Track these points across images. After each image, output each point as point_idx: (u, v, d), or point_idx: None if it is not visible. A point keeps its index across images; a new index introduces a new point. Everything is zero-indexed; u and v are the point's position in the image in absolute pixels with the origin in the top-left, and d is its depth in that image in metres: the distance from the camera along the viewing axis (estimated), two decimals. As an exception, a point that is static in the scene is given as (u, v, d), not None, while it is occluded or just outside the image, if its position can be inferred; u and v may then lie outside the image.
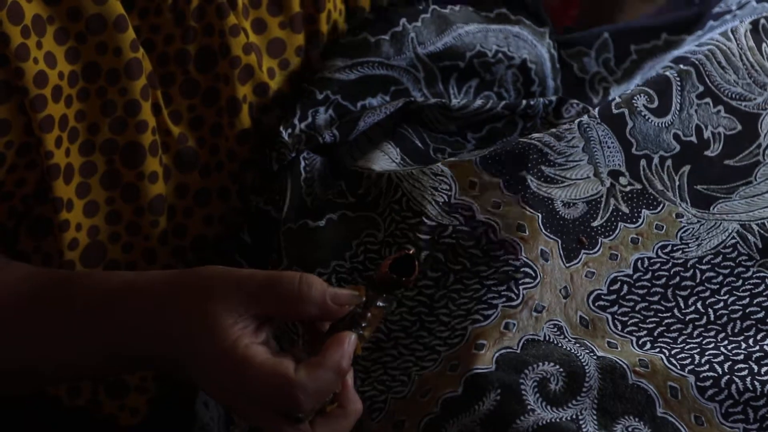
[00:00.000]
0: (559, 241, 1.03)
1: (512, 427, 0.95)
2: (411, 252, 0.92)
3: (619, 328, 1.01)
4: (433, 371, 0.99)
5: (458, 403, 0.96)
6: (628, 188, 1.07)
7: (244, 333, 0.86)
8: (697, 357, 1.00)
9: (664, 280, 1.04)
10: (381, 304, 0.91)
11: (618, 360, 0.99)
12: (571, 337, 1.00)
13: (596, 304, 1.02)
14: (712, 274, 1.04)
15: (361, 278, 1.03)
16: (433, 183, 1.05)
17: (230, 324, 0.86)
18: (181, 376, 0.91)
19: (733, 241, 1.06)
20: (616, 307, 1.02)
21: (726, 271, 1.05)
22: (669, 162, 1.09)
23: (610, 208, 1.06)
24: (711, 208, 1.08)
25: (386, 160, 1.10)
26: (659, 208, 1.07)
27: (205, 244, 1.08)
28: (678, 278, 1.04)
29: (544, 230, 1.03)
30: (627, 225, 1.06)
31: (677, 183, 1.09)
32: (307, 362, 0.87)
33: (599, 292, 1.02)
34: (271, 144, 1.08)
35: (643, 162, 1.08)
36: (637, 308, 1.02)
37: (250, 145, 1.07)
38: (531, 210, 1.04)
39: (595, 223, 1.05)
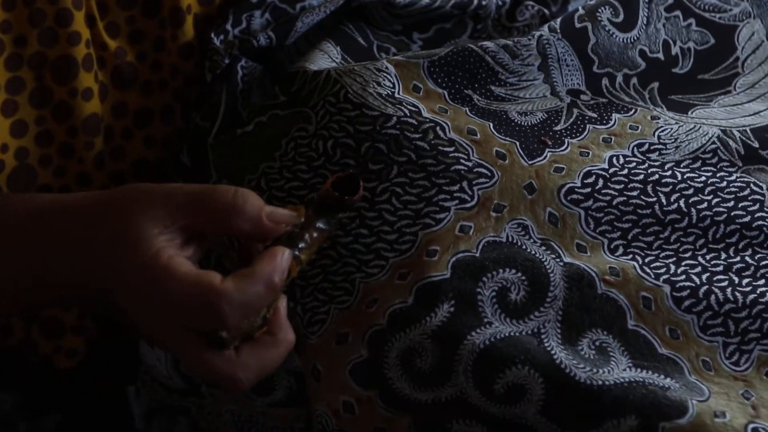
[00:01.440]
0: (518, 143, 0.95)
1: (466, 341, 0.87)
2: (354, 173, 0.87)
3: (592, 226, 0.93)
4: (380, 280, 0.91)
5: (407, 314, 0.89)
6: (592, 102, 1.00)
7: (169, 245, 0.81)
8: (672, 266, 0.92)
9: (642, 176, 0.95)
10: (321, 226, 0.85)
11: (586, 267, 0.91)
12: (537, 238, 0.92)
13: (569, 198, 0.93)
14: (693, 175, 0.96)
15: (290, 174, 0.95)
16: (375, 77, 0.97)
17: (154, 234, 0.81)
18: (109, 309, 0.85)
19: (713, 146, 0.98)
20: (590, 201, 0.93)
21: (708, 174, 0.97)
22: (634, 80, 1.02)
23: (574, 114, 0.99)
24: (689, 113, 1.02)
25: (325, 59, 1.02)
26: (632, 112, 1.00)
27: (146, 168, 1.02)
28: (657, 176, 0.95)
29: (497, 134, 0.95)
30: (596, 126, 0.98)
31: (647, 96, 1.02)
32: (235, 273, 0.80)
33: (572, 185, 0.93)
34: (203, 52, 1.01)
35: (605, 80, 1.02)
36: (614, 203, 0.93)
37: (194, 60, 1.02)
38: (480, 119, 0.96)
39: (558, 127, 0.98)
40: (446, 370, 0.87)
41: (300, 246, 0.83)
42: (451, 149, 0.93)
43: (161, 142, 1.03)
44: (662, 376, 0.86)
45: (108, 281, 0.82)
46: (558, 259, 0.91)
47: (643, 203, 0.93)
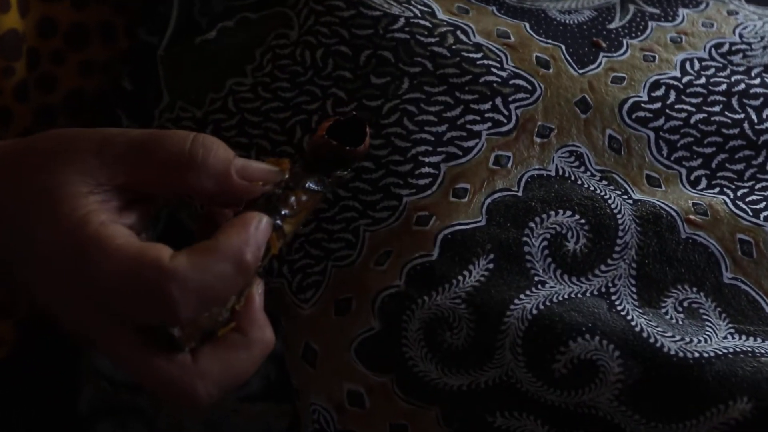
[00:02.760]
0: (563, 46, 0.75)
1: (512, 306, 0.66)
2: (358, 115, 0.67)
3: (665, 152, 0.73)
4: (392, 226, 0.70)
5: (432, 272, 0.68)
6: None
7: (101, 207, 0.62)
8: None
9: (724, 86, 0.75)
10: (312, 186, 0.64)
11: (664, 205, 0.70)
12: (596, 170, 0.72)
13: (633, 116, 0.73)
14: None
15: (268, 92, 0.75)
16: None
17: (82, 193, 0.62)
18: (14, 293, 0.68)
19: None
20: (662, 120, 0.74)
21: None
22: None
23: (631, 11, 0.79)
24: None
25: None
26: (702, 6, 0.81)
27: (82, 101, 0.88)
28: (743, 85, 0.75)
29: (536, 35, 0.75)
30: (661, 24, 0.78)
31: None
32: (192, 247, 0.60)
33: (637, 99, 0.73)
34: None
35: None
36: (692, 120, 0.74)
37: None
38: (512, 19, 0.77)
39: (612, 25, 0.78)
40: (487, 346, 0.67)
41: (283, 212, 0.63)
42: (479, 55, 0.73)
43: (100, 67, 0.87)
44: None
45: (13, 251, 0.63)
46: (625, 196, 0.70)
47: (729, 121, 0.74)
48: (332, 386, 0.69)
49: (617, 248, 0.69)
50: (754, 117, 0.74)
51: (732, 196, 0.72)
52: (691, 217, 0.70)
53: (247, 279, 0.60)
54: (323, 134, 0.65)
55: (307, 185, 0.64)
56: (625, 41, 0.77)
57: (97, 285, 0.59)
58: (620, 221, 0.69)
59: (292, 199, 0.63)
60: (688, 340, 0.66)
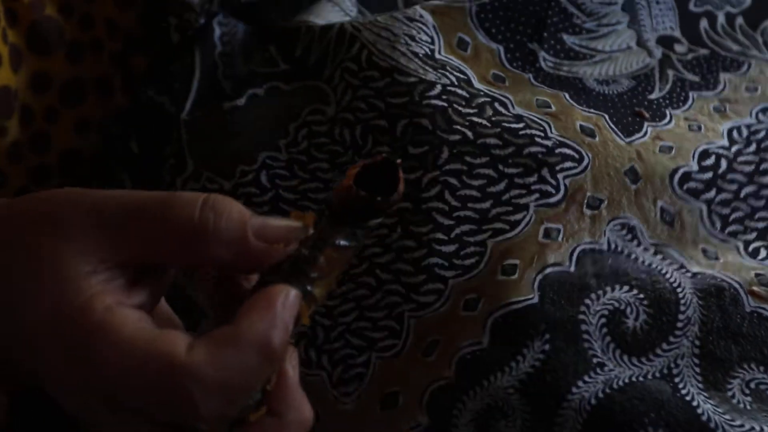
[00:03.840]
0: (606, 115, 0.73)
1: (571, 395, 0.63)
2: (389, 157, 0.59)
3: (718, 225, 0.70)
4: (439, 312, 0.67)
5: (484, 360, 0.65)
6: (690, 56, 0.78)
7: (106, 289, 0.56)
8: None
9: None
10: (342, 242, 0.57)
11: (725, 277, 0.67)
12: (650, 244, 0.68)
13: (685, 187, 0.70)
14: None
15: (305, 172, 0.72)
16: (407, 30, 0.74)
17: (84, 274, 0.56)
18: (9, 378, 0.61)
19: None
20: (713, 192, 0.71)
21: None
22: (740, 19, 0.80)
23: (670, 79, 0.77)
24: None
25: (336, 12, 0.80)
26: (744, 68, 0.78)
27: (79, 161, 0.85)
28: None
29: (577, 105, 0.73)
30: (702, 93, 0.76)
31: (761, 40, 0.80)
32: (209, 335, 0.54)
33: (687, 169, 0.70)
34: (167, 6, 0.81)
35: (703, 23, 0.80)
36: (742, 194, 0.71)
37: (137, 13, 0.85)
38: (551, 89, 0.74)
39: (653, 96, 0.76)
40: (545, 438, 0.63)
41: (312, 275, 0.56)
42: (521, 125, 0.70)
43: (97, 125, 0.84)
44: None
45: (10, 341, 0.58)
46: (683, 270, 0.67)
47: None
48: (380, 486, 0.66)
49: (679, 324, 0.66)
50: None
51: (794, 264, 0.69)
52: (755, 288, 0.67)
53: (276, 366, 0.55)
54: (351, 184, 0.58)
55: (336, 242, 0.58)
56: (668, 111, 0.74)
57: (108, 383, 0.55)
58: (681, 295, 0.66)
59: (321, 259, 0.57)
60: (758, 429, 0.62)
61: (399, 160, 0.59)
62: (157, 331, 0.55)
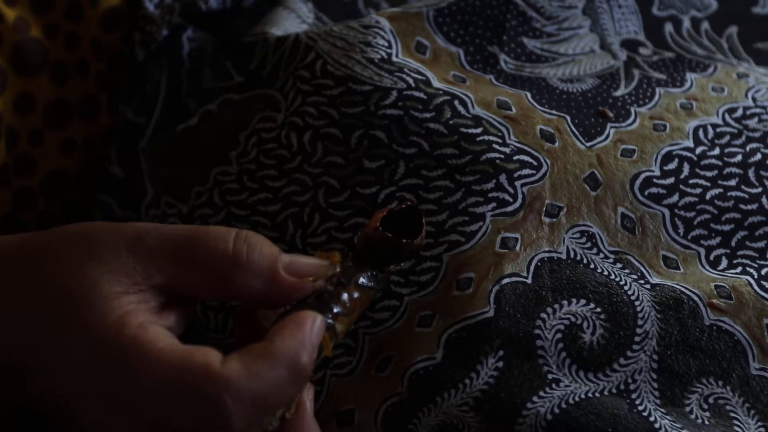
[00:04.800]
0: (568, 117, 0.71)
1: (525, 411, 0.62)
2: (413, 205, 0.64)
3: (681, 231, 0.69)
4: (393, 328, 0.66)
5: (437, 376, 0.64)
6: (656, 57, 0.77)
7: (138, 309, 0.59)
8: None
9: (740, 157, 0.71)
10: (365, 282, 0.61)
11: (684, 289, 0.66)
12: (609, 252, 0.68)
13: (646, 192, 0.69)
14: None
15: (254, 182, 0.72)
16: (363, 38, 0.73)
17: (116, 293, 0.59)
18: (28, 399, 0.62)
19: None
20: (676, 196, 0.70)
21: None
22: (705, 24, 0.80)
23: (636, 77, 0.76)
24: None
25: (293, 19, 0.79)
26: (710, 70, 0.77)
27: (64, 183, 0.84)
28: (759, 155, 0.72)
29: (539, 106, 0.71)
30: (669, 90, 0.75)
31: (726, 45, 0.79)
32: (244, 350, 0.56)
33: (649, 173, 0.69)
34: (133, 21, 0.80)
35: (668, 27, 0.79)
36: (707, 196, 0.70)
37: (123, 32, 0.84)
38: (512, 89, 0.73)
39: (618, 93, 0.75)
40: (500, 456, 0.62)
41: (335, 311, 0.59)
42: (479, 131, 0.69)
43: (83, 146, 0.83)
44: None
45: (33, 355, 0.59)
46: (642, 281, 0.67)
47: (746, 196, 0.71)
48: (341, 504, 0.66)
49: (637, 338, 0.65)
50: None
51: (756, 276, 0.68)
52: (715, 301, 0.66)
53: (303, 385, 0.57)
54: (378, 226, 0.62)
55: (360, 281, 0.61)
56: (632, 109, 0.73)
57: (139, 395, 0.56)
58: (639, 308, 0.65)
59: (345, 296, 0.60)
60: (717, 443, 0.62)
61: (418, 206, 0.63)
62: (191, 346, 0.57)
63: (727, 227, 0.70)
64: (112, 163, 0.79)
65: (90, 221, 0.63)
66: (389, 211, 0.62)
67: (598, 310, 0.65)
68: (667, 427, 0.62)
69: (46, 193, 0.82)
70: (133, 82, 0.80)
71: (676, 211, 0.70)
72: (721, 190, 0.70)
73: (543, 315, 0.65)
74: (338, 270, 0.60)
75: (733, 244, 0.70)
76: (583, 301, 0.65)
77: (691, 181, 0.70)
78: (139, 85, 0.79)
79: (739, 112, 0.74)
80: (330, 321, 0.58)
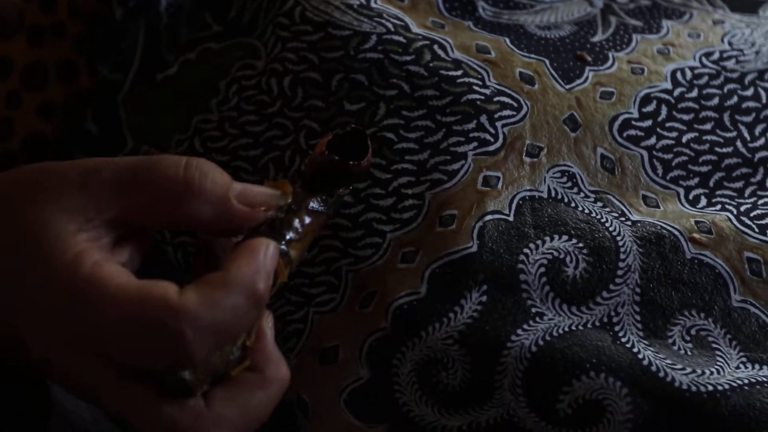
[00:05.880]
0: (547, 60, 0.72)
1: (510, 343, 0.63)
2: (357, 127, 0.65)
3: (660, 172, 0.70)
4: (376, 265, 0.67)
5: (421, 310, 0.64)
6: (632, 5, 0.78)
7: (92, 246, 0.58)
8: None
9: (716, 100, 0.72)
10: (316, 207, 0.62)
11: (665, 225, 0.67)
12: (590, 191, 0.68)
13: (624, 134, 0.70)
14: None
15: (235, 128, 0.72)
16: None
17: (70, 231, 0.58)
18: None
19: None
20: (653, 139, 0.71)
21: None
22: None
23: (613, 24, 0.77)
24: (761, 11, 0.80)
25: None
26: (686, 17, 0.78)
27: (42, 146, 0.83)
28: (736, 98, 0.73)
29: (518, 50, 0.72)
30: (646, 36, 0.76)
31: None
32: (199, 281, 0.56)
33: (628, 115, 0.70)
34: None
35: None
36: (684, 140, 0.70)
37: None
38: (491, 35, 0.74)
39: (595, 39, 0.75)
40: (485, 387, 0.64)
41: (288, 237, 0.60)
42: (459, 73, 0.69)
43: (61, 109, 0.82)
44: None
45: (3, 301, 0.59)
46: (623, 218, 0.67)
47: (721, 140, 0.72)
48: (327, 440, 0.66)
49: (620, 271, 0.66)
50: (746, 135, 0.72)
51: (735, 212, 0.69)
52: (696, 236, 0.67)
53: (261, 311, 0.57)
54: (324, 150, 0.62)
55: (310, 206, 0.61)
56: (610, 54, 0.74)
57: (98, 331, 0.56)
58: (620, 243, 0.66)
59: (296, 222, 0.61)
60: (699, 372, 0.63)
61: (369, 131, 0.63)
62: (147, 281, 0.56)
63: (704, 168, 0.71)
64: (88, 120, 0.79)
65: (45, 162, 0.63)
66: (334, 135, 0.63)
67: (581, 245, 0.66)
68: (650, 357, 0.63)
69: (26, 156, 0.81)
70: (110, 41, 0.80)
71: (654, 153, 0.70)
72: (696, 134, 0.71)
73: (526, 250, 0.66)
74: (289, 199, 0.61)
75: (711, 184, 0.71)
76: (565, 237, 0.66)
77: (668, 125, 0.71)
78: (116, 44, 0.79)
79: (716, 56, 0.75)
80: (284, 248, 0.59)
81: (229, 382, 0.58)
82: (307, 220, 0.61)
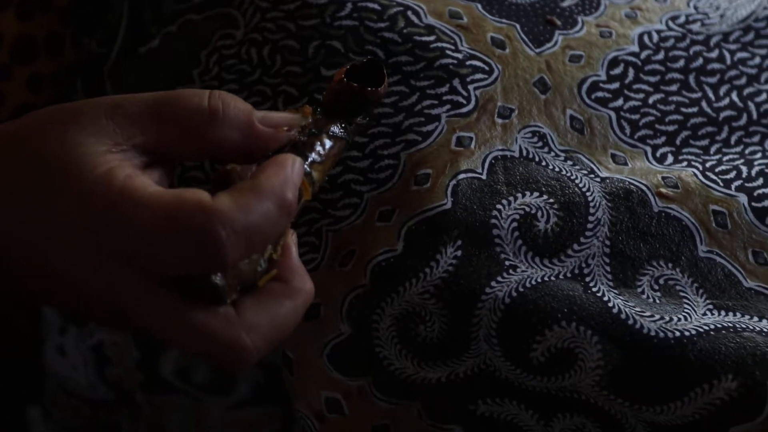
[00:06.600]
0: (518, 25, 0.74)
1: (484, 295, 0.65)
2: (373, 58, 0.68)
3: (628, 131, 0.73)
4: (354, 224, 0.69)
5: (398, 267, 0.67)
6: None
7: (123, 164, 0.59)
8: (744, 169, 0.72)
9: (682, 62, 0.75)
10: (336, 132, 0.64)
11: (633, 180, 0.69)
12: (560, 151, 0.71)
13: (593, 96, 0.72)
14: (745, 54, 0.78)
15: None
16: None
17: (101, 152, 0.60)
18: (37, 284, 0.62)
19: (767, 12, 0.79)
20: (620, 100, 0.73)
21: (763, 52, 0.78)
22: None
23: None
24: None
25: None
26: None
27: None
28: (701, 60, 0.75)
29: (489, 15, 0.74)
30: (614, 0, 0.78)
31: None
32: (233, 187, 0.58)
33: (596, 78, 0.72)
34: None
35: None
36: (650, 101, 0.73)
37: None
38: (463, 0, 0.76)
39: (565, 4, 0.78)
40: (462, 338, 0.66)
41: (311, 158, 0.62)
42: (432, 38, 0.72)
43: (50, 81, 0.84)
44: (755, 318, 0.67)
45: (22, 229, 0.60)
46: (592, 175, 0.70)
47: (687, 100, 0.74)
48: (310, 394, 0.69)
49: (589, 225, 0.68)
50: (711, 95, 0.74)
51: (701, 168, 0.72)
52: (662, 190, 0.70)
53: (289, 220, 0.59)
54: (342, 78, 0.64)
55: (330, 131, 0.64)
56: (579, 18, 0.76)
57: (134, 239, 0.57)
58: (590, 198, 0.69)
59: (318, 145, 0.63)
60: (667, 318, 0.65)
61: (381, 63, 0.65)
62: (180, 189, 0.58)
63: (671, 128, 0.73)
64: (78, 94, 0.81)
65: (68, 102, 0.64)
66: (352, 66, 0.65)
67: (551, 200, 0.69)
68: (620, 305, 0.66)
69: None
70: (95, 15, 0.82)
71: (621, 113, 0.73)
72: (662, 95, 0.74)
73: (498, 206, 0.68)
74: (310, 122, 0.63)
75: (677, 142, 0.73)
76: (536, 194, 0.69)
77: (635, 86, 0.74)
78: (101, 17, 0.81)
79: (682, 19, 0.77)
80: (307, 168, 0.61)
81: (257, 291, 0.59)
82: (328, 144, 0.63)
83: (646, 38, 0.75)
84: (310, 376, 0.68)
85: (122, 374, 0.81)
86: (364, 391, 0.67)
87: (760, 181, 0.71)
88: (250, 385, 0.78)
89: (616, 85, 0.73)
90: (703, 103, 0.74)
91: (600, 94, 0.73)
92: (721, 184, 0.71)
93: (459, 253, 0.67)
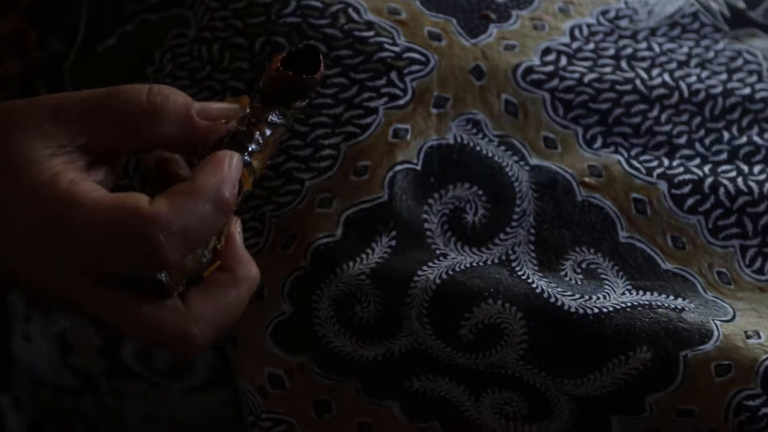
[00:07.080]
0: (454, 20, 0.78)
1: (416, 277, 0.70)
2: (310, 44, 0.70)
3: (561, 111, 0.77)
4: (296, 209, 0.74)
5: (336, 251, 0.72)
6: None
7: (68, 168, 0.63)
8: (665, 159, 0.77)
9: (612, 51, 0.79)
10: (275, 119, 0.67)
11: (559, 169, 0.74)
12: (494, 135, 0.76)
13: (528, 79, 0.77)
14: (673, 45, 0.82)
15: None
16: None
17: (45, 156, 0.63)
18: None
19: (693, 8, 0.83)
20: (556, 81, 0.78)
21: (690, 43, 0.82)
22: None
23: None
24: None
25: None
26: None
27: None
28: (631, 49, 0.79)
29: (427, 11, 0.78)
30: None
31: None
32: (170, 191, 0.62)
33: (530, 63, 0.77)
34: None
35: None
36: (586, 80, 0.78)
37: None
38: None
39: None
40: (395, 318, 0.71)
41: (250, 148, 0.65)
42: (371, 33, 0.76)
43: (15, 82, 0.87)
44: (671, 297, 0.71)
45: None
46: (522, 162, 0.75)
47: (621, 79, 0.78)
48: (253, 370, 0.73)
49: (515, 216, 0.73)
50: (644, 75, 0.79)
51: (626, 155, 0.76)
52: (587, 179, 0.75)
53: (227, 217, 0.63)
54: (279, 66, 0.67)
55: (269, 119, 0.66)
56: (514, 12, 0.80)
57: (78, 243, 0.60)
58: (517, 189, 0.74)
59: (257, 134, 0.65)
60: (587, 297, 0.70)
61: (317, 49, 0.68)
62: (120, 193, 0.62)
63: (604, 105, 0.77)
64: (41, 91, 0.85)
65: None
66: (288, 53, 0.68)
67: (480, 192, 0.73)
68: (543, 286, 0.71)
69: None
70: (57, 15, 0.85)
71: (556, 94, 0.77)
72: (597, 75, 0.78)
73: (430, 200, 0.73)
74: (248, 111, 0.66)
75: (610, 121, 0.77)
76: (467, 185, 0.74)
77: (569, 68, 0.78)
78: (63, 17, 0.85)
79: (612, 14, 0.81)
80: (247, 159, 0.64)
81: (203, 283, 0.63)
82: (268, 132, 0.66)
83: (576, 31, 0.80)
84: (253, 353, 0.73)
85: (85, 361, 0.85)
86: (305, 367, 0.72)
87: (680, 169, 0.76)
88: (207, 368, 0.82)
89: (550, 69, 0.77)
90: (637, 82, 0.78)
91: (535, 76, 0.77)
92: (644, 171, 0.75)
93: (393, 242, 0.71)
